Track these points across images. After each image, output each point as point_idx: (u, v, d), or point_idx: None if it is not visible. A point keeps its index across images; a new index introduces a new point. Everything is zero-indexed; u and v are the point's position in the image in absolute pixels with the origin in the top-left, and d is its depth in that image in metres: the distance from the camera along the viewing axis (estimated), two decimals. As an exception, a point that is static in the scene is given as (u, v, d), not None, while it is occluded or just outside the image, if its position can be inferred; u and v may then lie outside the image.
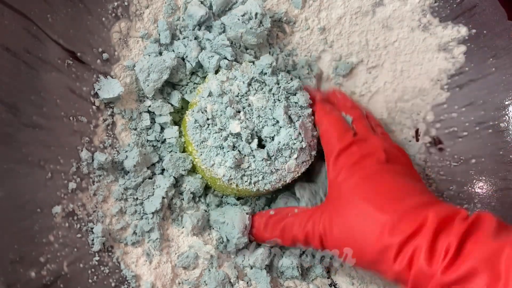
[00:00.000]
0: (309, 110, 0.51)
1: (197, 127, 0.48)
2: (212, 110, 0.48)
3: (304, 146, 0.49)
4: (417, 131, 0.59)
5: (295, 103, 0.50)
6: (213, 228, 0.51)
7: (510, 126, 0.54)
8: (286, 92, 0.50)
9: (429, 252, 0.38)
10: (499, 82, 0.54)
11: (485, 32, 0.54)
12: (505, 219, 0.53)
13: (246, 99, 0.49)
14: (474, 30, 0.54)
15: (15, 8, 0.43)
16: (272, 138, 0.48)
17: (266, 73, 0.50)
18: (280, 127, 0.48)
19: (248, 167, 0.48)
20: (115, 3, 0.49)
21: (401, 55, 0.57)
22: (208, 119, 0.48)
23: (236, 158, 0.47)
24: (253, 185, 0.48)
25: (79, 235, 0.45)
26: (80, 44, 0.48)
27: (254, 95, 0.49)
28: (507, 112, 0.54)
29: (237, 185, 0.48)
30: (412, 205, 0.41)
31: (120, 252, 0.47)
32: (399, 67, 0.57)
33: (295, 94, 0.51)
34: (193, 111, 0.49)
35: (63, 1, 0.46)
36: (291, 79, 0.51)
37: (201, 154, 0.48)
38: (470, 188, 0.56)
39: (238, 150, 0.48)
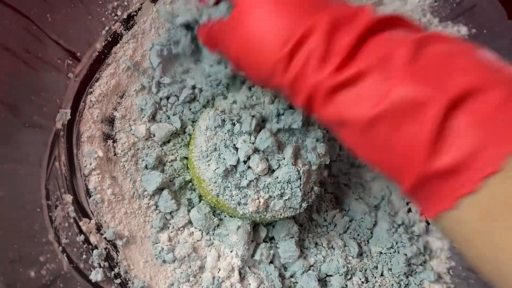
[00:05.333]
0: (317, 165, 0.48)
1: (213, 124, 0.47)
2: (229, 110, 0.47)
3: (298, 193, 0.47)
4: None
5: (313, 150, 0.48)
6: (213, 243, 0.51)
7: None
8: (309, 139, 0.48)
9: (323, 54, 0.32)
10: (499, 82, 0.54)
11: (485, 31, 0.54)
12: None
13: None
14: (474, 30, 0.54)
15: (15, 8, 0.43)
16: (273, 171, 0.46)
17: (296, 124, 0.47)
18: (284, 164, 0.46)
19: (238, 180, 0.46)
20: (115, 3, 0.49)
21: (401, 55, 0.57)
22: (223, 120, 0.47)
23: (227, 168, 0.45)
24: (233, 203, 0.46)
25: (80, 236, 0.45)
26: (80, 44, 0.48)
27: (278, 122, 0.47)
28: (507, 112, 0.54)
29: (218, 195, 0.47)
30: (313, 9, 0.34)
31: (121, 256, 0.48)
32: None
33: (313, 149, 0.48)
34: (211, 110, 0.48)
35: (63, 1, 0.46)
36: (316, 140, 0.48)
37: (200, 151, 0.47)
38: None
39: (234, 166, 0.46)
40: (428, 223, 0.57)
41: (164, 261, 0.49)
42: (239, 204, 0.46)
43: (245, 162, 0.45)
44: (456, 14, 0.55)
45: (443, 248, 0.56)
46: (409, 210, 0.58)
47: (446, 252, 0.55)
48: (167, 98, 0.51)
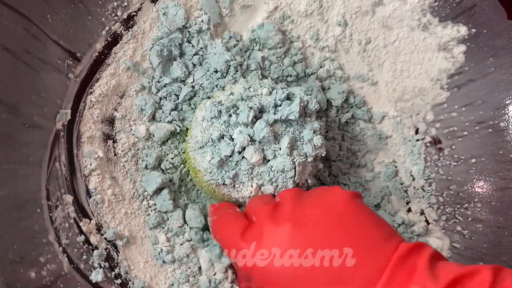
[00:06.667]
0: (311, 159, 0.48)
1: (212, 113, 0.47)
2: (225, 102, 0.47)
3: (289, 184, 0.46)
4: (417, 131, 0.59)
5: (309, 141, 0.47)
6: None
7: (509, 126, 0.54)
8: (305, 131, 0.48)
9: None
10: (499, 82, 0.54)
11: (484, 31, 0.54)
12: (505, 219, 0.53)
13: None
14: (474, 30, 0.54)
15: (15, 8, 0.43)
16: (268, 160, 0.46)
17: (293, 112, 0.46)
18: (280, 154, 0.46)
19: (232, 170, 0.46)
20: (115, 3, 0.49)
21: (401, 55, 0.57)
22: (220, 111, 0.46)
23: (221, 158, 0.45)
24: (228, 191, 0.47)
25: (80, 236, 0.45)
26: (80, 44, 0.48)
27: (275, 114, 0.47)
28: (506, 112, 0.54)
29: (213, 185, 0.47)
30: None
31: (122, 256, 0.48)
32: (399, 66, 0.57)
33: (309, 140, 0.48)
34: (208, 102, 0.47)
35: (63, 1, 0.46)
36: (314, 132, 0.48)
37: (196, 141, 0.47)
38: (470, 188, 0.56)
39: (229, 156, 0.46)
40: (428, 223, 0.57)
41: (164, 262, 0.49)
42: (233, 191, 0.47)
43: (239, 152, 0.46)
44: (456, 13, 0.55)
45: (443, 248, 0.56)
46: (409, 210, 0.58)
47: (446, 252, 0.55)
48: (167, 97, 0.51)
